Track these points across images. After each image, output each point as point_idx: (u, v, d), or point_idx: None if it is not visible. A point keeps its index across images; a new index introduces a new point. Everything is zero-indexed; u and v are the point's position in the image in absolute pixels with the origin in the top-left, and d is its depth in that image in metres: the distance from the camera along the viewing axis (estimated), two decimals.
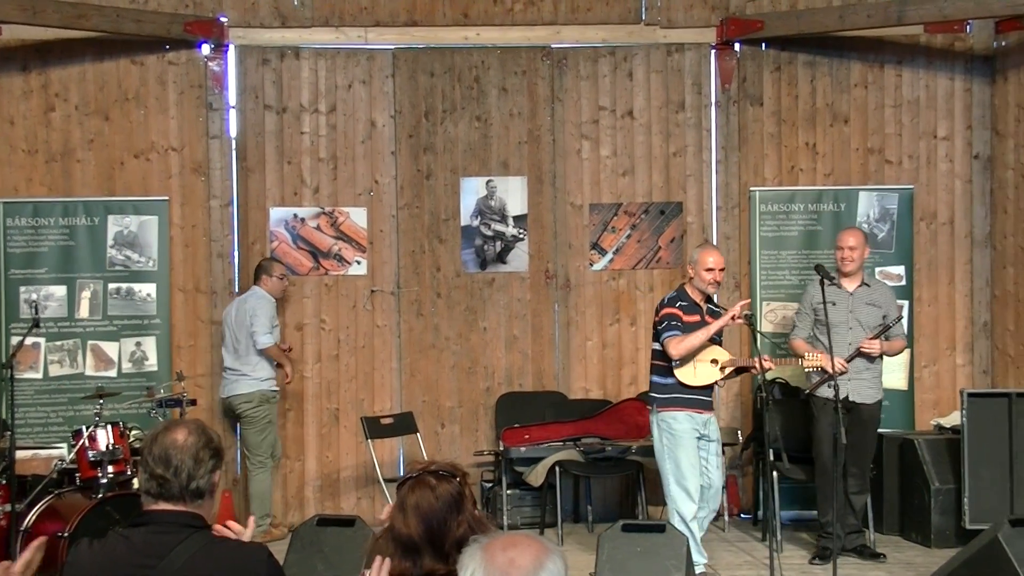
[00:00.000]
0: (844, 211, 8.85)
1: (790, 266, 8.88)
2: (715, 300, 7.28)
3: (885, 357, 7.66)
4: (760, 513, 8.49)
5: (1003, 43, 8.89)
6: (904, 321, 7.70)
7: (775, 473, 8.02)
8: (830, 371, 7.33)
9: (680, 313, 6.97)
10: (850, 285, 7.54)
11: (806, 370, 7.47)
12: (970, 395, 7.94)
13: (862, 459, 7.63)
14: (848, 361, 7.39)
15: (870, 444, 7.70)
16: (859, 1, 8.81)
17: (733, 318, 6.88)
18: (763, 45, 9.01)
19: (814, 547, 7.66)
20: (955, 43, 9.01)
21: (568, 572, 2.35)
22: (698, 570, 6.94)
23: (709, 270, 6.94)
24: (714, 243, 8.82)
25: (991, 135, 8.96)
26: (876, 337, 7.44)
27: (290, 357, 8.61)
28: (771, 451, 7.72)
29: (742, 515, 8.86)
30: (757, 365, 6.89)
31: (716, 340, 7.04)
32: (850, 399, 7.44)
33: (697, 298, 7.03)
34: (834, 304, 7.47)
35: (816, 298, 7.51)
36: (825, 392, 7.31)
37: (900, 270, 8.65)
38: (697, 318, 7.00)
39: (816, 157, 9.02)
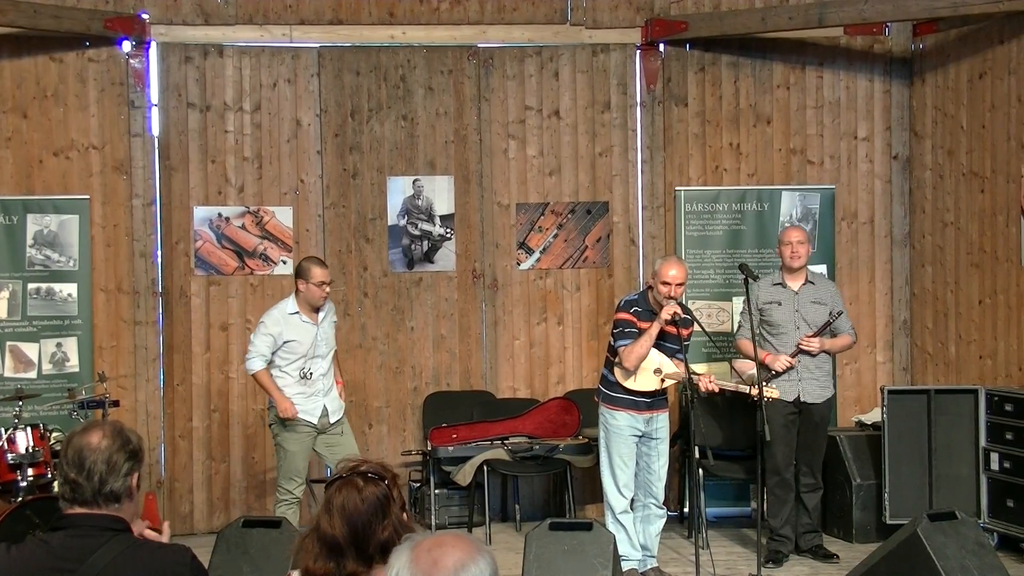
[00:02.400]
0: (767, 211, 8.96)
1: (715, 265, 8.97)
2: (690, 312, 7.17)
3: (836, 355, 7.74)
4: (686, 510, 8.57)
5: (920, 46, 9.06)
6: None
7: (701, 470, 8.11)
8: (775, 369, 7.42)
9: (634, 319, 6.99)
10: (795, 283, 7.58)
11: (736, 376, 7.53)
12: (890, 392, 8.08)
13: (813, 459, 7.70)
14: (792, 357, 7.44)
15: (821, 443, 7.76)
16: (781, 3, 8.92)
17: (665, 322, 6.90)
18: (687, 46, 9.09)
19: (765, 548, 7.58)
20: (874, 45, 9.16)
21: (497, 572, 2.35)
22: (628, 566, 6.99)
23: (665, 283, 6.88)
24: (638, 242, 8.90)
25: (909, 136, 9.13)
26: (817, 335, 7.50)
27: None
28: (696, 448, 7.81)
29: (669, 512, 8.91)
30: (702, 385, 6.95)
31: (674, 352, 6.97)
32: (801, 399, 7.50)
33: (656, 306, 6.98)
34: (780, 304, 7.53)
35: (763, 297, 7.58)
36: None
37: (822, 269, 8.76)
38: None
39: (740, 157, 9.12)
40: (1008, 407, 7.67)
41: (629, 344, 6.93)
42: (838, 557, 7.58)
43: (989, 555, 5.84)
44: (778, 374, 7.43)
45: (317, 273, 7.24)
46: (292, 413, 7.23)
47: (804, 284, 7.58)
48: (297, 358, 7.28)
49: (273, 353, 7.27)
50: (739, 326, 7.77)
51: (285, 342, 7.26)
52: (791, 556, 7.64)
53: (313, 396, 7.33)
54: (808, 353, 7.48)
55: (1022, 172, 8.12)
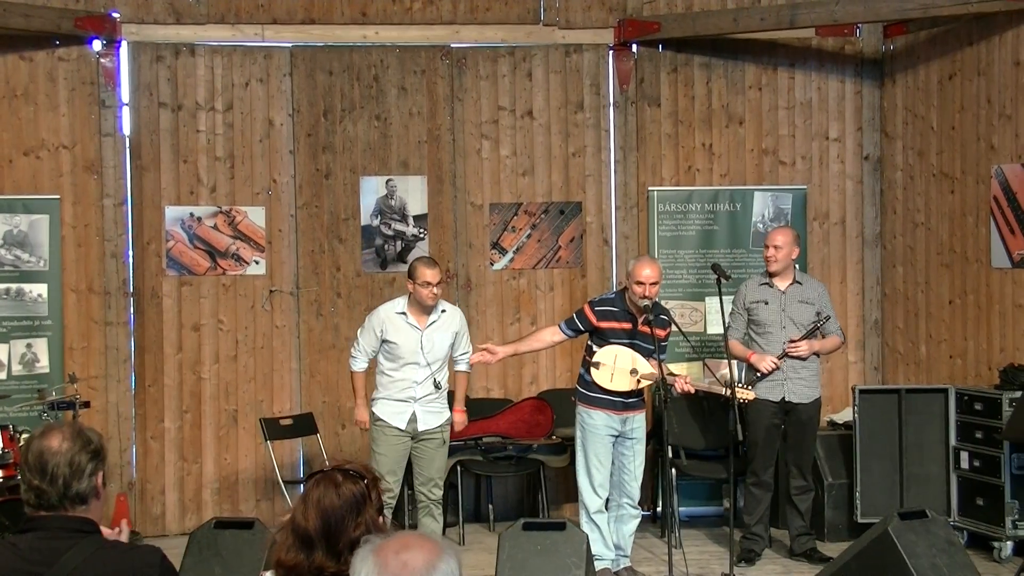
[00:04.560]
0: (740, 211, 8.99)
1: (688, 265, 9.00)
2: (668, 313, 7.18)
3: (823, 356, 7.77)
4: (659, 509, 8.59)
5: (891, 47, 9.12)
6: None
7: (674, 470, 8.13)
8: (761, 370, 7.44)
9: (592, 318, 7.01)
10: (781, 284, 7.60)
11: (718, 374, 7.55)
12: (861, 391, 8.13)
13: (802, 460, 7.70)
14: (781, 359, 7.46)
15: (809, 445, 7.75)
16: (753, 4, 8.96)
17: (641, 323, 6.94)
18: (660, 47, 9.11)
19: (738, 547, 7.61)
20: (845, 47, 9.21)
21: (463, 571, 2.34)
22: (602, 565, 7.01)
23: (639, 283, 6.89)
24: (611, 242, 8.92)
25: (880, 137, 9.18)
26: (804, 337, 7.52)
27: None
28: (670, 448, 7.83)
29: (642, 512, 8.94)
30: (678, 386, 6.97)
31: (650, 352, 7.00)
32: (787, 399, 7.52)
33: (633, 307, 7.00)
34: (766, 303, 7.55)
35: (750, 297, 7.60)
36: (760, 393, 7.41)
37: (795, 269, 8.79)
38: (627, 326, 7.02)
39: (712, 157, 9.15)
40: (977, 406, 7.73)
41: (556, 327, 7.23)
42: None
43: (959, 553, 5.88)
44: (764, 375, 7.45)
45: (422, 272, 7.00)
46: (361, 420, 7.26)
47: (791, 284, 7.60)
48: (399, 362, 7.11)
49: (377, 351, 7.16)
50: (727, 327, 7.74)
51: (385, 341, 7.13)
52: (764, 555, 7.67)
53: (403, 402, 7.15)
54: (799, 358, 7.49)
55: (991, 173, 8.19)
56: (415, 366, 7.11)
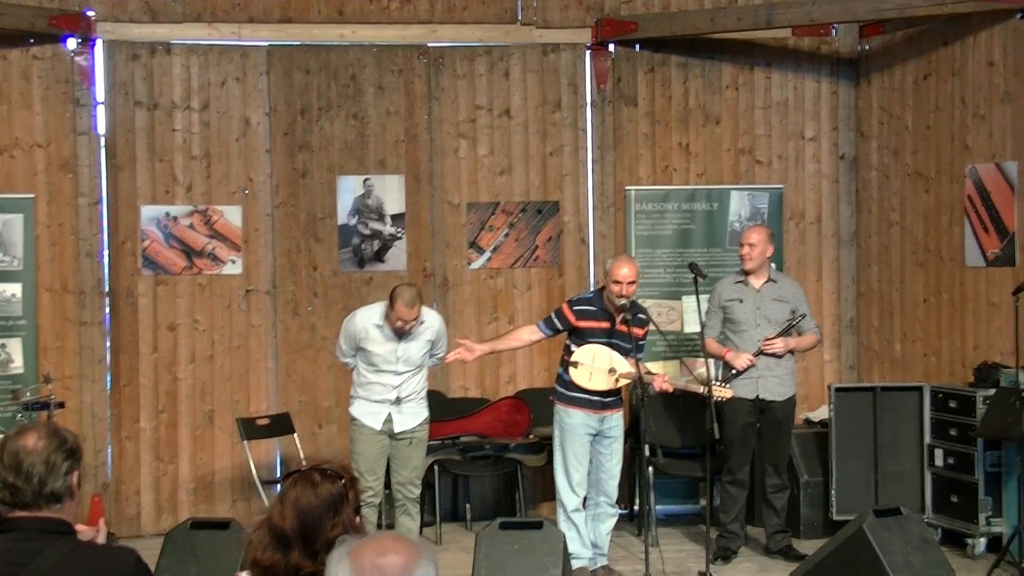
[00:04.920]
0: (717, 210, 9.02)
1: (665, 264, 9.02)
2: (646, 312, 7.21)
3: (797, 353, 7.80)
4: (636, 508, 8.61)
5: (867, 47, 9.16)
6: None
7: (651, 469, 8.15)
8: (736, 367, 7.46)
9: (571, 317, 7.03)
10: (756, 282, 7.62)
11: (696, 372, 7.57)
12: (837, 389, 8.17)
13: (777, 458, 7.72)
14: (755, 356, 7.48)
15: (785, 442, 7.78)
16: (729, 4, 8.99)
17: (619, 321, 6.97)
18: (637, 46, 9.13)
19: (714, 546, 7.64)
20: (821, 47, 9.25)
21: (440, 573, 2.33)
22: (579, 564, 7.01)
23: (617, 282, 6.91)
24: (589, 242, 8.93)
25: (856, 136, 9.22)
26: (780, 335, 7.54)
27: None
28: (647, 447, 7.85)
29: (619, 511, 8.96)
30: (656, 385, 6.99)
31: (628, 351, 7.02)
32: (761, 397, 7.54)
33: (611, 306, 7.03)
34: (741, 301, 7.58)
35: (725, 295, 7.62)
36: (734, 391, 7.42)
37: (771, 268, 8.83)
38: (606, 326, 7.04)
39: (689, 157, 9.17)
40: (952, 404, 7.77)
41: (532, 327, 7.26)
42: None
43: (933, 550, 5.92)
44: (739, 372, 7.48)
45: (399, 310, 6.88)
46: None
47: (766, 282, 7.63)
48: (374, 368, 7.12)
49: (357, 351, 7.15)
50: (703, 325, 7.76)
51: (361, 348, 7.12)
52: (740, 553, 7.69)
53: (379, 403, 7.15)
54: (774, 355, 7.52)
55: (965, 172, 8.24)
56: (391, 374, 7.13)
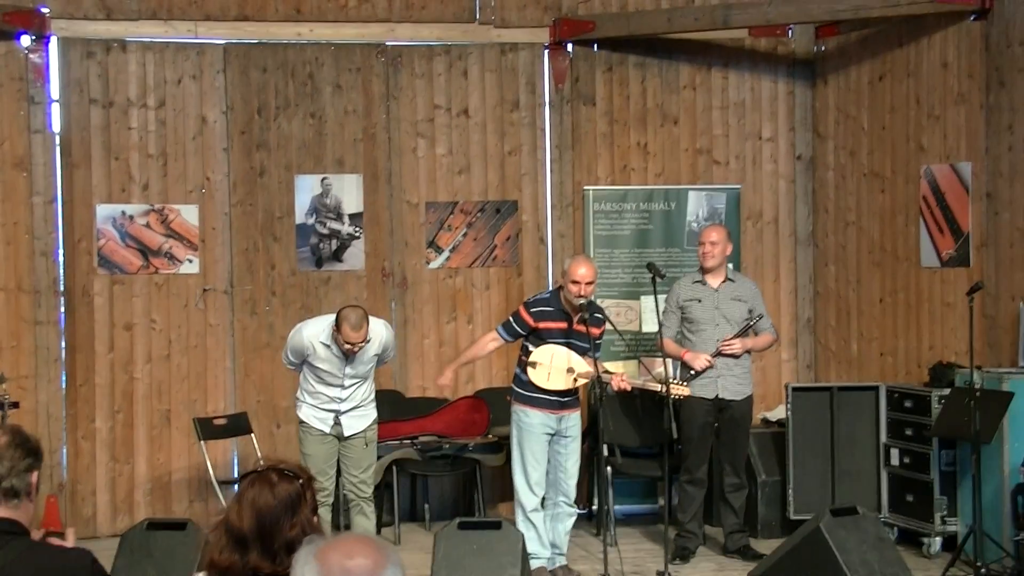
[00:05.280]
0: (675, 210, 9.05)
1: (623, 264, 9.04)
2: (602, 312, 7.21)
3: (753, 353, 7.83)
4: (595, 508, 8.62)
5: (823, 48, 9.22)
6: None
7: (609, 468, 8.17)
8: (695, 368, 7.48)
9: (529, 320, 7.04)
10: (714, 281, 7.65)
11: (646, 372, 7.59)
12: (794, 389, 8.22)
13: (735, 457, 7.75)
14: (714, 356, 7.49)
15: (743, 442, 7.81)
16: (687, 5, 9.02)
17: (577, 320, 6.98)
18: (595, 46, 9.14)
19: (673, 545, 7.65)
20: (778, 47, 9.30)
21: (405, 574, 2.32)
22: (537, 563, 7.02)
23: (575, 282, 6.91)
24: (547, 241, 8.94)
25: (813, 137, 9.29)
26: (737, 335, 7.57)
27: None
28: (605, 446, 7.87)
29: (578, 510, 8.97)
30: (615, 383, 7.00)
31: (585, 350, 7.02)
32: (720, 396, 7.57)
33: (568, 306, 7.03)
34: (700, 301, 7.60)
35: (683, 295, 7.64)
36: (694, 390, 7.45)
37: (728, 267, 8.88)
38: (563, 326, 7.04)
39: (647, 157, 9.20)
40: (907, 403, 7.84)
41: (493, 334, 7.26)
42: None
43: (889, 549, 5.97)
44: (698, 373, 7.50)
45: (346, 333, 6.76)
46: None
47: (724, 282, 7.66)
48: (321, 381, 7.06)
49: (303, 362, 7.09)
50: (660, 325, 7.78)
51: (309, 364, 7.04)
52: (698, 552, 7.72)
53: (327, 411, 7.11)
54: (732, 356, 7.55)
55: (920, 173, 8.32)
56: (338, 387, 7.10)
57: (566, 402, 7.11)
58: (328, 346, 6.96)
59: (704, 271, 7.67)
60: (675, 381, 7.23)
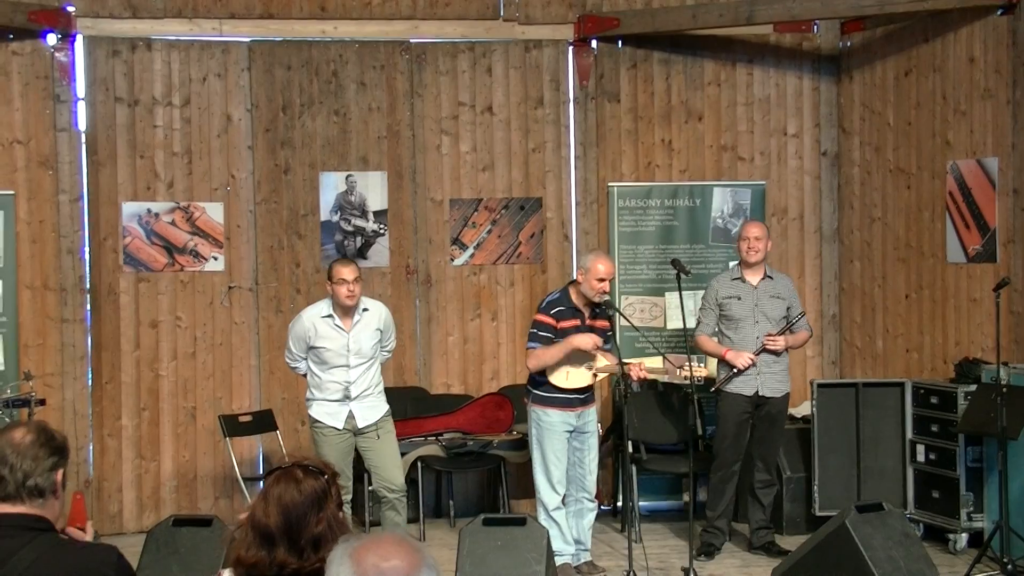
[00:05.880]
0: (699, 206, 9.03)
1: (648, 260, 9.02)
2: (610, 305, 7.17)
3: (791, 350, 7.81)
4: (619, 504, 8.61)
5: (848, 43, 9.18)
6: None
7: (634, 465, 8.16)
8: (737, 366, 7.46)
9: (552, 322, 7.01)
10: (753, 278, 7.61)
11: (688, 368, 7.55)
12: (820, 385, 8.19)
13: (769, 454, 7.71)
14: (755, 355, 7.47)
15: (777, 438, 7.77)
16: (711, 1, 8.99)
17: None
18: (619, 43, 9.13)
19: (699, 542, 7.66)
20: (803, 43, 9.26)
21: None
22: (562, 560, 7.02)
23: (601, 280, 6.93)
24: (572, 238, 8.95)
25: (838, 133, 9.24)
26: (781, 333, 7.54)
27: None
28: (630, 443, 7.86)
29: (602, 506, 8.95)
30: (633, 374, 6.98)
31: (602, 345, 7.03)
32: (760, 393, 7.54)
33: (580, 302, 7.04)
34: (739, 298, 7.57)
35: (722, 292, 7.61)
36: (733, 387, 7.44)
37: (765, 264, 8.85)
38: (576, 323, 7.04)
39: (672, 153, 9.18)
40: (933, 400, 7.80)
41: (540, 348, 6.97)
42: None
43: (915, 546, 5.94)
44: (740, 371, 7.47)
45: (337, 270, 6.96)
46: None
47: (763, 279, 7.62)
48: (327, 365, 7.09)
49: (308, 351, 7.12)
50: (698, 322, 7.74)
51: (312, 347, 7.09)
52: (723, 548, 7.70)
53: (338, 403, 7.12)
54: (774, 352, 7.52)
55: (946, 169, 8.27)
56: (344, 368, 7.11)
57: (584, 399, 7.12)
58: (328, 316, 7.04)
59: (744, 267, 7.62)
60: (699, 366, 7.20)
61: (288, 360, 7.33)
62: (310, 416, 7.22)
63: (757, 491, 7.71)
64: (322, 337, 7.05)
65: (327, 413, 7.14)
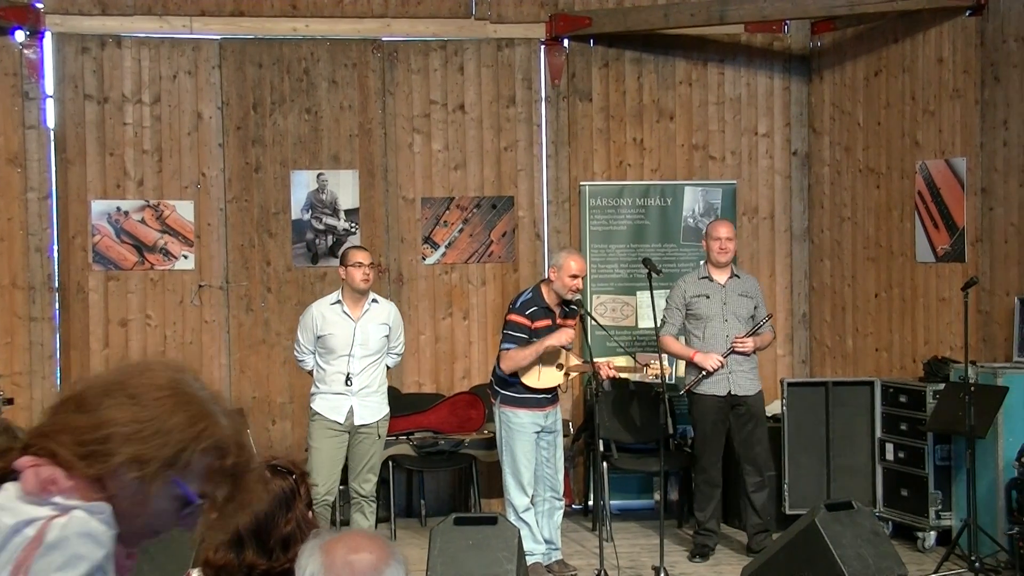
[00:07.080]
0: (671, 206, 9.05)
1: (619, 260, 9.04)
2: (578, 304, 7.20)
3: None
4: (591, 503, 8.63)
5: (818, 43, 9.22)
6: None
7: (605, 463, 8.17)
8: (707, 368, 7.45)
9: (527, 322, 7.01)
10: (721, 277, 7.62)
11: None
12: (790, 384, 8.23)
13: (755, 454, 7.64)
14: (724, 356, 7.48)
15: (761, 438, 7.70)
16: (683, 0, 9.01)
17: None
18: (591, 42, 9.14)
19: (691, 544, 7.72)
20: (774, 43, 9.30)
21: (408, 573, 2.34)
22: (533, 560, 7.02)
23: (574, 276, 6.95)
24: (543, 237, 8.96)
25: (808, 132, 9.29)
26: (749, 334, 7.55)
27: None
28: (601, 442, 7.86)
29: (573, 506, 8.97)
30: (603, 371, 7.00)
31: (567, 346, 7.08)
32: (732, 392, 7.54)
33: (552, 301, 7.05)
34: (707, 297, 7.58)
35: (690, 291, 7.61)
36: (705, 388, 7.45)
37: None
38: (548, 323, 7.04)
39: (643, 152, 9.20)
40: (902, 398, 7.85)
41: (515, 348, 6.97)
42: None
43: (884, 543, 5.97)
44: (709, 374, 7.47)
45: (353, 254, 7.17)
46: None
47: (730, 278, 7.65)
48: (333, 355, 7.10)
49: (316, 343, 7.16)
50: (663, 322, 7.73)
51: (320, 336, 7.12)
52: (718, 550, 7.69)
53: (340, 395, 7.11)
54: (743, 353, 7.53)
55: (916, 168, 8.32)
56: (347, 358, 7.10)
57: (552, 398, 7.15)
58: (337, 303, 7.15)
59: (712, 267, 7.63)
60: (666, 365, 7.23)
61: (296, 354, 7.38)
62: (311, 408, 7.22)
63: (750, 494, 7.65)
64: (330, 324, 7.11)
65: (329, 407, 7.13)
